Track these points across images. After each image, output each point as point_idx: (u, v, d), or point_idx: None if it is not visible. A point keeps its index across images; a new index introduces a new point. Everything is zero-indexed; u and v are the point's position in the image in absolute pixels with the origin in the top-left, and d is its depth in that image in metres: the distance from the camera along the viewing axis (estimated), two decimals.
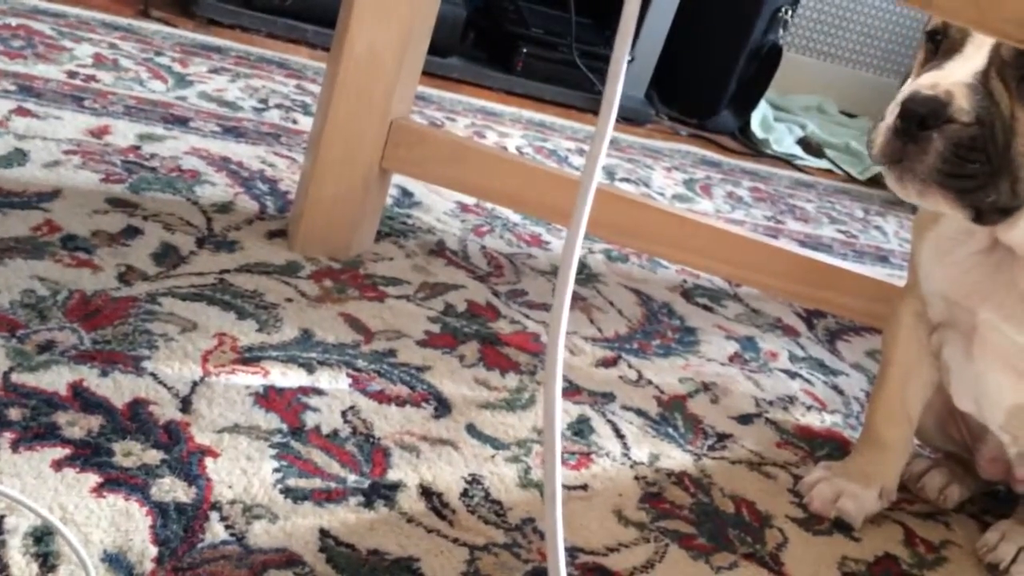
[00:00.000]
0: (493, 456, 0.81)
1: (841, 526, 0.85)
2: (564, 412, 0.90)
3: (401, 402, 0.84)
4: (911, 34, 2.90)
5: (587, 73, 2.14)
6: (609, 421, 0.92)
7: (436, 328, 0.98)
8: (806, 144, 2.41)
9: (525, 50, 2.11)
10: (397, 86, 0.99)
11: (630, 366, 1.03)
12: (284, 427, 0.76)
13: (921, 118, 0.65)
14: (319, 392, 0.81)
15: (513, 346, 1.00)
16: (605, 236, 1.16)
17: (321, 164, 1.00)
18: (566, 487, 0.80)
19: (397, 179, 1.26)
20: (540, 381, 0.94)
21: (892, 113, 0.68)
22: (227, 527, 0.64)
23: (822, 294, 1.04)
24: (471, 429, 0.83)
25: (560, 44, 2.10)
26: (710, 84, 2.37)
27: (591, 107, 2.15)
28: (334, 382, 0.83)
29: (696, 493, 0.84)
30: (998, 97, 0.65)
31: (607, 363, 1.03)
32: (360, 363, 0.87)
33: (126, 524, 0.62)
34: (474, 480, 0.77)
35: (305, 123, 1.42)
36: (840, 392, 1.13)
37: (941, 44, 0.69)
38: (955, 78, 0.65)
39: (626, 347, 1.07)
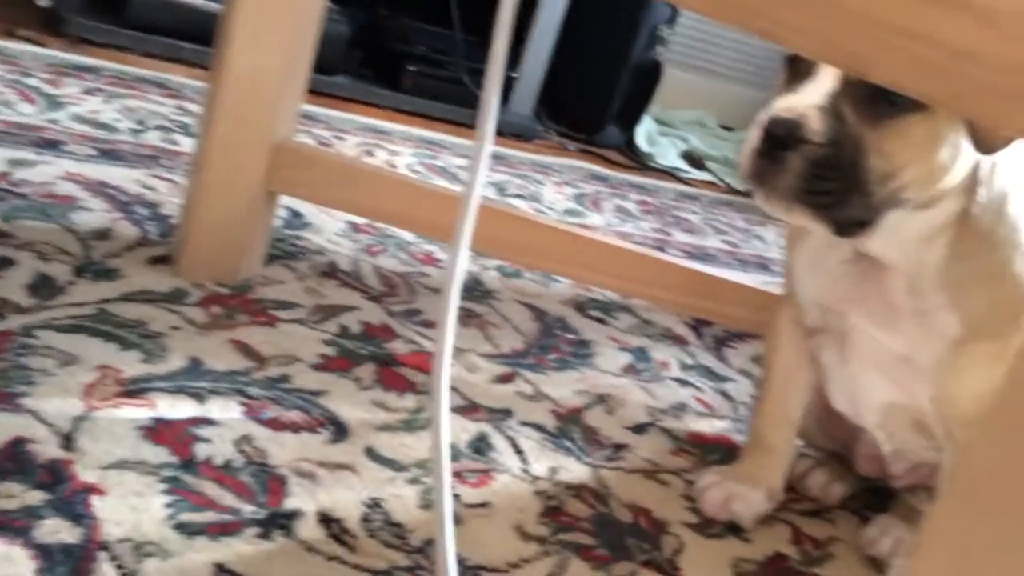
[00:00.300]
0: (393, 479, 0.80)
1: (733, 528, 0.88)
2: (462, 430, 0.91)
3: (297, 428, 0.82)
4: (783, 51, 3.04)
5: (474, 90, 2.15)
6: (508, 437, 0.92)
7: (331, 351, 0.96)
8: (689, 157, 2.49)
9: (411, 68, 2.11)
10: (280, 105, 0.98)
11: (527, 381, 1.04)
12: (174, 460, 0.73)
13: (780, 140, 0.68)
14: (210, 422, 0.79)
15: (410, 366, 0.99)
16: (497, 253, 1.17)
17: (205, 187, 0.97)
18: (467, 505, 0.80)
19: (286, 200, 1.24)
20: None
21: (755, 135, 0.71)
22: (117, 567, 0.62)
23: (708, 304, 1.08)
24: (370, 452, 0.83)
25: (447, 62, 2.11)
26: (595, 100, 2.42)
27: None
28: (226, 411, 0.81)
29: (595, 504, 0.86)
30: (847, 119, 0.69)
31: (504, 379, 1.03)
32: (253, 390, 0.85)
33: (9, 569, 0.59)
34: (374, 504, 0.76)
35: (186, 144, 1.38)
36: (728, 398, 1.17)
37: (799, 68, 0.73)
38: (808, 101, 0.69)
39: (522, 362, 1.09)
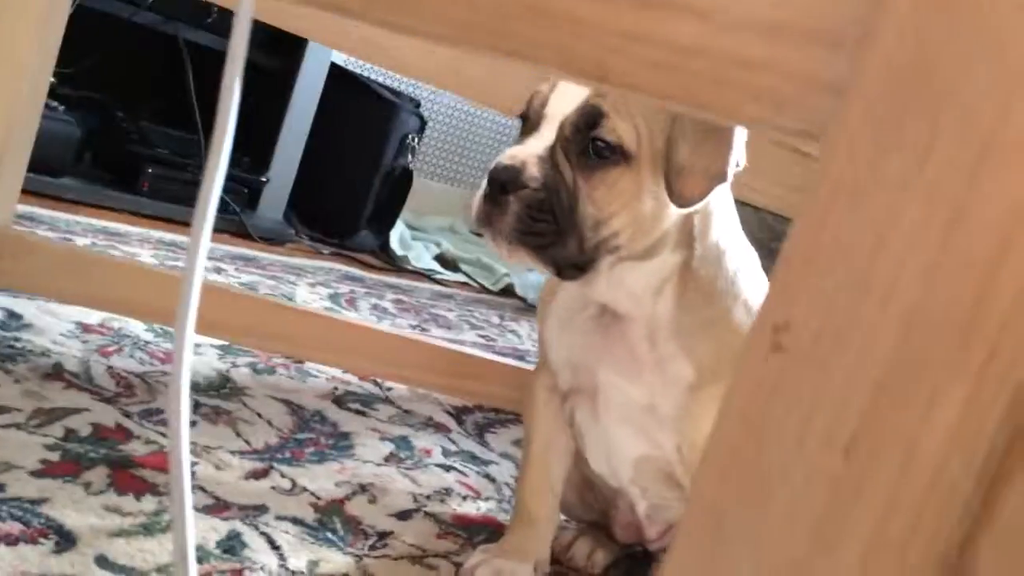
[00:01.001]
0: None
1: None
2: (212, 529, 0.83)
3: (13, 540, 0.71)
4: None
5: (222, 195, 2.08)
6: (263, 533, 0.86)
7: (55, 456, 0.86)
8: (443, 259, 2.55)
9: (151, 170, 2.02)
10: None
11: (283, 475, 0.98)
12: None
13: (502, 184, 0.74)
14: None
15: (149, 467, 0.91)
16: (252, 343, 1.11)
17: None
18: None
19: (2, 301, 1.12)
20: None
21: (484, 182, 0.75)
22: None
23: (470, 385, 1.08)
24: (101, 560, 0.73)
25: (188, 164, 2.04)
26: (348, 205, 2.43)
27: (226, 227, 2.10)
28: None
29: None
30: (563, 168, 0.75)
31: (257, 475, 0.97)
32: None
33: None
34: None
35: None
36: (492, 480, 1.17)
37: (527, 124, 0.79)
38: (530, 151, 0.75)
39: (278, 457, 1.02)
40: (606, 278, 0.79)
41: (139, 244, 1.72)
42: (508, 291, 2.49)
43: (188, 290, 0.62)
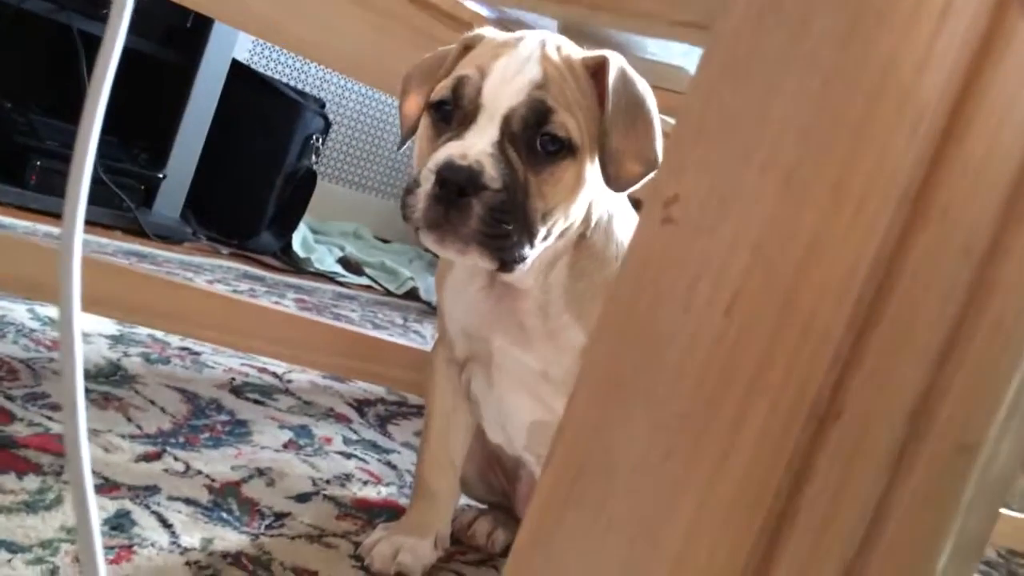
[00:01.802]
0: (10, 560, 0.68)
1: None
2: (100, 508, 0.80)
3: None
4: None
5: (115, 190, 2.03)
6: (154, 513, 0.83)
7: None
8: (346, 263, 2.53)
9: (39, 163, 1.94)
10: None
11: (176, 459, 0.96)
12: None
13: (459, 186, 0.70)
14: None
15: (33, 448, 0.87)
16: (142, 321, 1.08)
17: None
18: None
19: None
20: (68, 481, 0.82)
21: (429, 181, 0.71)
22: None
23: (372, 367, 1.07)
24: None
25: None
26: (249, 207, 2.39)
27: (121, 224, 2.03)
28: None
29: (255, 570, 0.79)
30: (514, 164, 0.73)
31: (149, 457, 0.94)
32: None
33: None
34: None
35: None
36: (393, 467, 1.16)
37: (453, 115, 0.76)
38: (479, 148, 0.72)
39: (171, 441, 0.99)
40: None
41: (26, 238, 1.65)
42: (412, 294, 2.48)
43: (69, 245, 0.60)
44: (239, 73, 2.31)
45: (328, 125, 2.50)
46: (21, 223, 1.79)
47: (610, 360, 0.27)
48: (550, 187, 0.75)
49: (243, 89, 2.31)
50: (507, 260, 0.75)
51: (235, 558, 0.80)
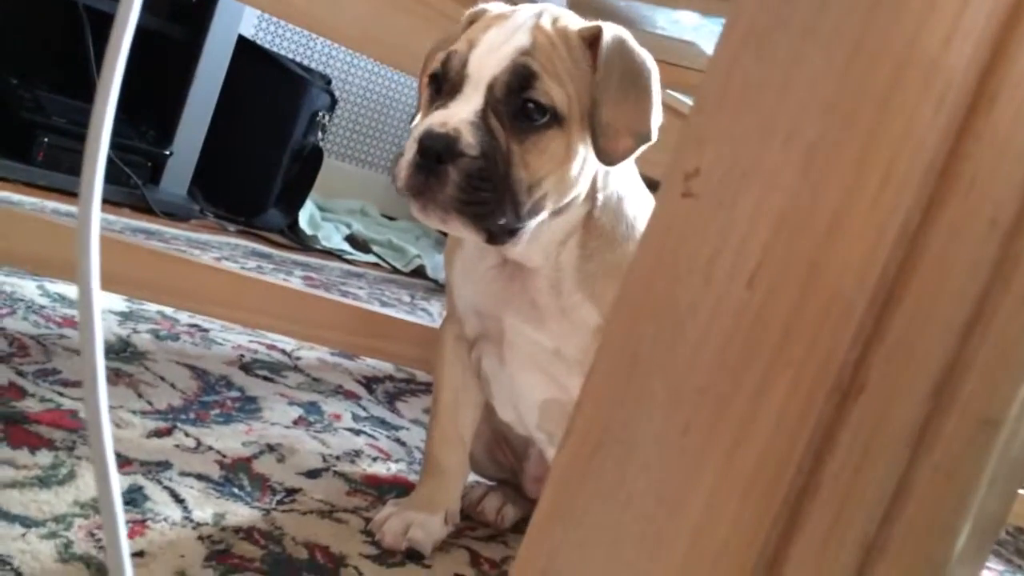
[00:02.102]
0: (24, 534, 0.69)
1: (413, 556, 0.86)
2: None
3: None
4: None
5: (123, 167, 2.02)
6: (166, 488, 0.83)
7: None
8: (353, 241, 2.52)
9: (46, 140, 1.94)
10: None
11: (187, 435, 0.96)
12: None
13: (437, 154, 0.70)
14: None
15: (45, 424, 0.87)
16: (152, 298, 1.08)
17: None
18: None
19: None
20: (81, 456, 0.83)
21: (411, 149, 0.72)
22: None
23: (380, 344, 1.07)
24: None
25: (86, 135, 1.96)
26: (256, 184, 2.38)
27: (128, 201, 2.03)
28: None
29: (267, 545, 0.80)
30: (496, 132, 0.72)
31: (160, 433, 0.94)
32: None
33: None
34: (0, 562, 0.64)
35: None
36: (403, 444, 1.17)
37: (443, 86, 0.76)
38: (461, 116, 0.72)
39: (182, 417, 1.00)
40: (523, 236, 0.79)
41: (35, 214, 1.65)
42: (419, 272, 2.48)
43: (87, 224, 0.60)
44: (246, 49, 2.30)
45: (334, 102, 2.49)
46: (28, 199, 1.79)
47: (629, 334, 0.27)
48: (534, 157, 0.73)
49: (249, 65, 2.30)
50: (493, 232, 0.74)
51: (247, 533, 0.80)
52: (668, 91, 1.27)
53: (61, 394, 0.95)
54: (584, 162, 0.77)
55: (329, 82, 2.51)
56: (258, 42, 2.54)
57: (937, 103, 0.23)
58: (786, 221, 0.24)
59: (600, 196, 0.81)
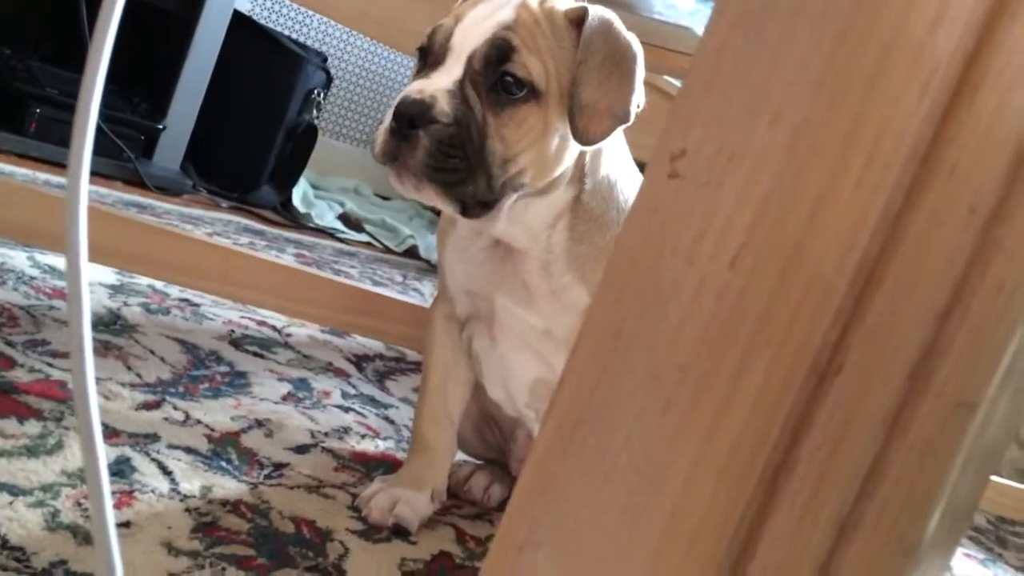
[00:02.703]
0: (12, 503, 0.69)
1: (399, 532, 0.87)
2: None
3: None
4: None
5: (115, 140, 2.01)
6: (154, 460, 0.84)
7: None
8: (346, 219, 2.52)
9: (38, 111, 1.93)
10: None
11: (176, 408, 0.96)
12: None
13: (410, 119, 0.71)
14: None
15: (34, 394, 0.87)
16: (143, 271, 1.08)
17: None
18: None
19: None
20: (69, 426, 0.83)
21: (388, 116, 0.73)
22: None
23: (371, 322, 1.08)
24: None
25: None
26: (249, 160, 2.37)
27: (121, 175, 2.02)
28: None
29: (253, 518, 0.80)
30: (472, 103, 0.73)
31: (149, 406, 0.94)
32: None
33: None
34: None
35: None
36: (391, 422, 1.17)
37: (428, 59, 0.77)
38: (438, 85, 0.72)
39: (171, 391, 1.00)
40: (505, 215, 0.80)
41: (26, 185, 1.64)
42: (411, 252, 2.48)
43: (76, 198, 0.60)
44: (241, 24, 2.28)
45: (330, 80, 2.47)
46: (20, 171, 1.78)
47: (613, 312, 0.27)
48: (510, 130, 0.74)
49: (244, 40, 2.29)
50: (467, 203, 0.75)
51: (234, 506, 0.81)
52: (664, 77, 1.26)
53: (50, 364, 0.95)
54: (564, 141, 0.77)
55: (325, 60, 2.49)
56: (254, 17, 2.52)
57: (922, 88, 0.23)
58: (770, 203, 0.25)
59: (588, 180, 0.82)
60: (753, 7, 0.25)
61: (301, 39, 2.74)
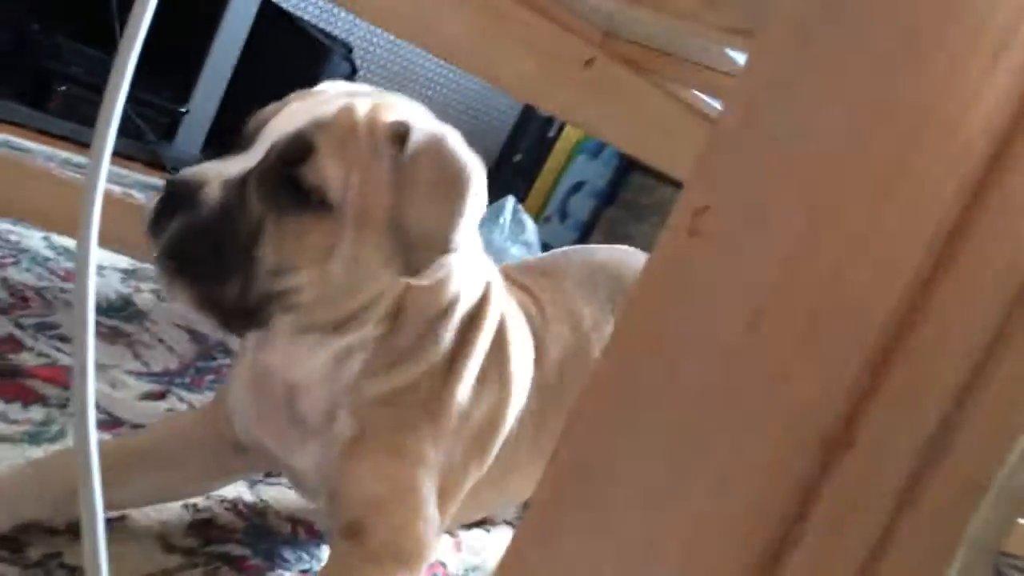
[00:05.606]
0: None
1: None
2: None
3: None
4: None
5: (138, 121, 2.02)
6: None
7: None
8: None
9: (63, 88, 1.93)
10: None
11: (180, 400, 0.96)
12: None
13: (175, 198, 0.61)
14: None
15: (41, 379, 0.87)
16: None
17: None
18: None
19: None
20: (73, 413, 0.83)
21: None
22: None
23: None
24: None
25: (103, 86, 1.96)
26: None
27: (141, 156, 2.03)
28: None
29: (250, 517, 0.80)
30: (250, 198, 0.63)
31: (154, 396, 0.95)
32: None
33: None
34: None
35: None
36: None
37: (240, 140, 0.68)
38: (222, 171, 0.63)
39: (176, 381, 1.00)
40: (283, 347, 0.70)
41: (44, 163, 1.65)
42: None
43: (93, 185, 0.60)
44: (269, 12, 2.29)
45: (354, 71, 2.47)
46: (41, 147, 1.79)
47: (622, 366, 0.26)
48: (289, 242, 0.62)
49: (272, 28, 2.29)
50: (224, 313, 0.63)
51: (232, 504, 0.81)
52: (694, 92, 1.26)
53: (59, 349, 0.95)
54: (363, 270, 0.65)
55: (350, 51, 2.49)
56: (282, 5, 2.52)
57: (950, 167, 0.23)
58: (791, 268, 0.24)
59: (410, 317, 0.71)
60: (787, 69, 0.25)
61: (328, 28, 2.74)
